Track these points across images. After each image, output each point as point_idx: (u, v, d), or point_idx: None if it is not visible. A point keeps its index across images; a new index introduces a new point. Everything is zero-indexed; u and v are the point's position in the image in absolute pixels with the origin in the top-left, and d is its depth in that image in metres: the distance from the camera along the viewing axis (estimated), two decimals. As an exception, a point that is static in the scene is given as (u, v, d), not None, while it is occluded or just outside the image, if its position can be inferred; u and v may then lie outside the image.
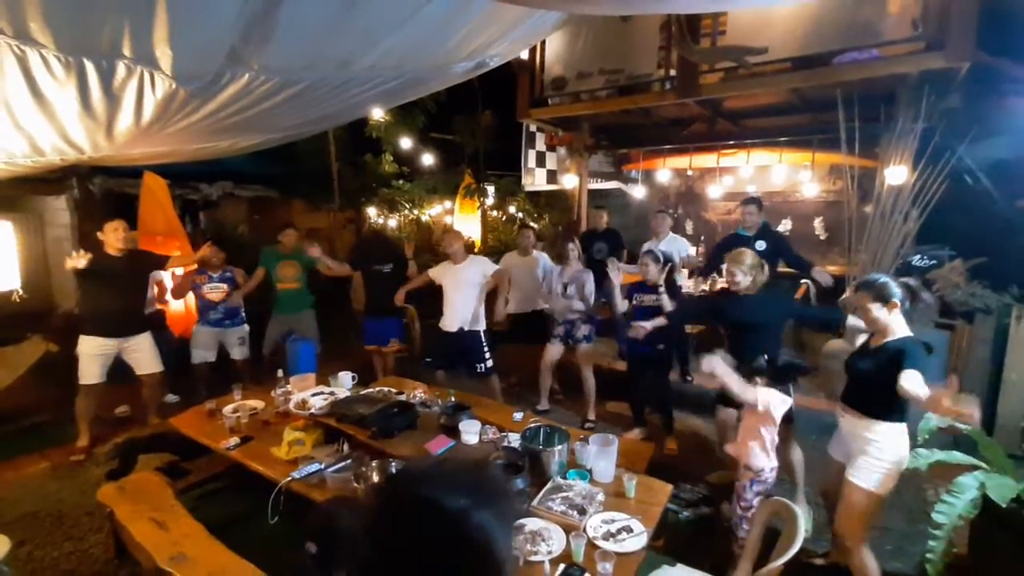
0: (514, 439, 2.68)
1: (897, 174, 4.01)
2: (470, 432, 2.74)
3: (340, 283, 5.48)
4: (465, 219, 9.27)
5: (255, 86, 3.05)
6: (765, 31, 4.13)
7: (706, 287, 4.81)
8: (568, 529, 1.98)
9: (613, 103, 5.23)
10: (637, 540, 1.94)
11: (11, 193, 4.93)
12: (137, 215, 4.77)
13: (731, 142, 6.05)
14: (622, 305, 3.82)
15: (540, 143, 7.32)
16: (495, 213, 9.98)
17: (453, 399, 3.25)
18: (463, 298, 4.06)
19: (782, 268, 4.24)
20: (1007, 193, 4.70)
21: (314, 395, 3.30)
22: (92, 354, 3.73)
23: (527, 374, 4.89)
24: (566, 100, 5.57)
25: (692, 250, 5.58)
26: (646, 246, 4.63)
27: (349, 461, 2.50)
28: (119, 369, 3.94)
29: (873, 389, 2.19)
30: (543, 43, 5.41)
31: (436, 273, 4.22)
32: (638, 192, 7.70)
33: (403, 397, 3.27)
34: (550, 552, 1.86)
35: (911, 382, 1.95)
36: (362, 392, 3.34)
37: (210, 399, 3.28)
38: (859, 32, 3.88)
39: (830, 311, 3.64)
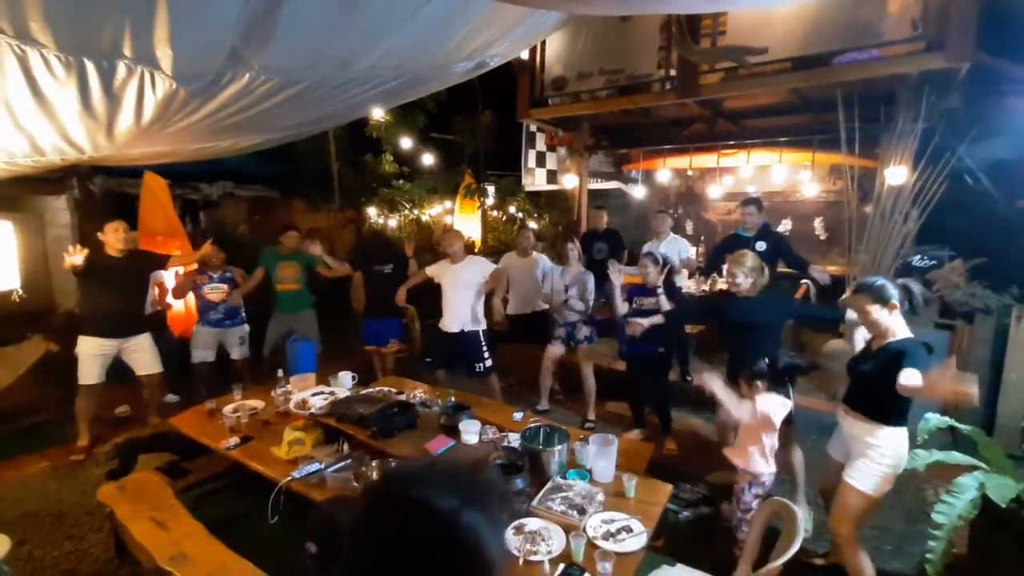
0: (514, 439, 2.68)
1: (897, 174, 4.00)
2: (470, 432, 2.74)
3: (340, 283, 5.48)
4: (465, 219, 9.26)
5: (255, 86, 3.05)
6: (765, 31, 4.14)
7: (706, 287, 4.80)
8: (568, 529, 1.98)
9: (613, 103, 5.23)
10: (637, 540, 1.95)
11: (11, 193, 4.93)
12: (137, 215, 4.77)
13: (731, 142, 6.05)
14: (622, 307, 3.82)
15: (540, 143, 7.32)
16: (495, 213, 9.96)
17: (453, 399, 3.25)
18: (461, 298, 4.05)
19: (782, 268, 4.25)
20: (1007, 193, 4.70)
21: (314, 395, 3.30)
22: (92, 354, 3.73)
23: (527, 374, 4.89)
24: (566, 100, 5.57)
25: (692, 251, 5.57)
26: (646, 247, 4.63)
27: (349, 461, 2.50)
28: (119, 369, 3.94)
29: (875, 391, 2.20)
30: (543, 43, 5.41)
31: (434, 271, 4.21)
32: (638, 192, 7.70)
33: (403, 397, 3.27)
34: (550, 552, 1.87)
35: (910, 379, 1.95)
36: (362, 392, 3.33)
37: (210, 399, 3.28)
38: (859, 32, 3.88)
39: (830, 311, 3.64)
